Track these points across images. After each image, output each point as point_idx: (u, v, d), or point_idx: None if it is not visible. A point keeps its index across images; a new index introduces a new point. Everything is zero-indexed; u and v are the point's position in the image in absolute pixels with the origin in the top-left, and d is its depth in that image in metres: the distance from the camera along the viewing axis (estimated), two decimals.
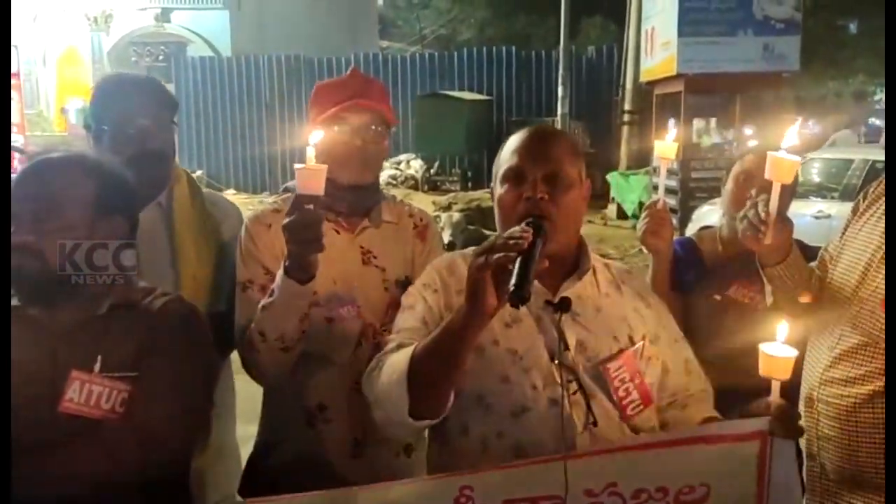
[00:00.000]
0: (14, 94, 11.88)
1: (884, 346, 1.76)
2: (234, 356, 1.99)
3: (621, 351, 1.57)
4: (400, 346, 1.51)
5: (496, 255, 1.30)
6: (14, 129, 10.97)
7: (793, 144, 1.66)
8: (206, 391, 1.70)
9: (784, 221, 1.79)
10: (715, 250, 2.36)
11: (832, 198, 8.29)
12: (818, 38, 19.44)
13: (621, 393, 1.54)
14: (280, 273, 1.71)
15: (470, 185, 15.08)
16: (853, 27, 24.03)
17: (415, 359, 1.42)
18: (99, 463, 1.48)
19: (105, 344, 1.57)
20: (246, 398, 2.31)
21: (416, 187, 14.72)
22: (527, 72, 16.51)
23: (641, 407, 1.56)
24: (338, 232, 1.92)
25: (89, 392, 1.52)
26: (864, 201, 1.97)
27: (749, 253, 2.04)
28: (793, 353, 1.48)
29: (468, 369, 1.47)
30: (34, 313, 1.60)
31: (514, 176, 1.58)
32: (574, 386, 1.52)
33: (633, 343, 1.59)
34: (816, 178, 8.77)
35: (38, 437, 1.48)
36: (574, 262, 1.64)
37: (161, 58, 19.21)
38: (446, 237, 8.15)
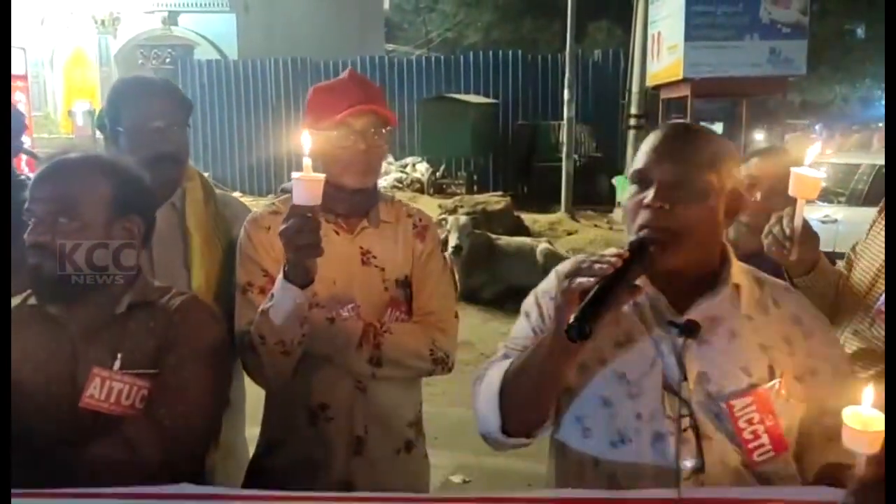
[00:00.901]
0: (21, 96, 11.92)
1: (881, 353, 1.75)
2: None
3: (753, 387, 1.36)
4: (506, 356, 1.46)
5: (578, 280, 1.21)
6: None
7: (815, 159, 1.63)
8: (223, 388, 1.73)
9: (810, 235, 1.76)
10: None
11: (839, 202, 8.28)
12: (826, 43, 19.43)
13: (747, 435, 1.34)
14: (279, 278, 1.71)
15: (476, 188, 15.07)
16: (860, 31, 24.02)
17: (507, 377, 1.37)
18: (120, 458, 1.50)
19: (125, 342, 1.59)
20: (249, 401, 2.31)
21: (421, 190, 14.70)
22: (533, 75, 16.51)
23: (772, 453, 1.36)
24: (337, 233, 1.92)
25: (110, 389, 1.54)
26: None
27: (754, 255, 2.03)
28: (881, 424, 1.21)
29: (571, 387, 1.39)
30: (54, 312, 1.62)
31: (639, 179, 1.39)
32: (687, 422, 1.35)
33: (772, 377, 1.37)
34: (823, 183, 8.74)
35: (61, 433, 1.51)
36: (713, 276, 1.43)
37: (168, 61, 19.26)
38: (453, 240, 8.10)
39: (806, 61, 11.37)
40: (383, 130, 1.94)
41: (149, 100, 2.09)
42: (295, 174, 1.56)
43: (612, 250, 1.27)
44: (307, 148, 1.56)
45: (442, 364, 1.93)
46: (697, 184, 1.35)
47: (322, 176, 1.55)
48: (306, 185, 1.54)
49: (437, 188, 15.09)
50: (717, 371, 1.37)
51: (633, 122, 14.54)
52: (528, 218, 11.85)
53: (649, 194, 1.35)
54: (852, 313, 1.87)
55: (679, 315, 1.39)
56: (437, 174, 15.37)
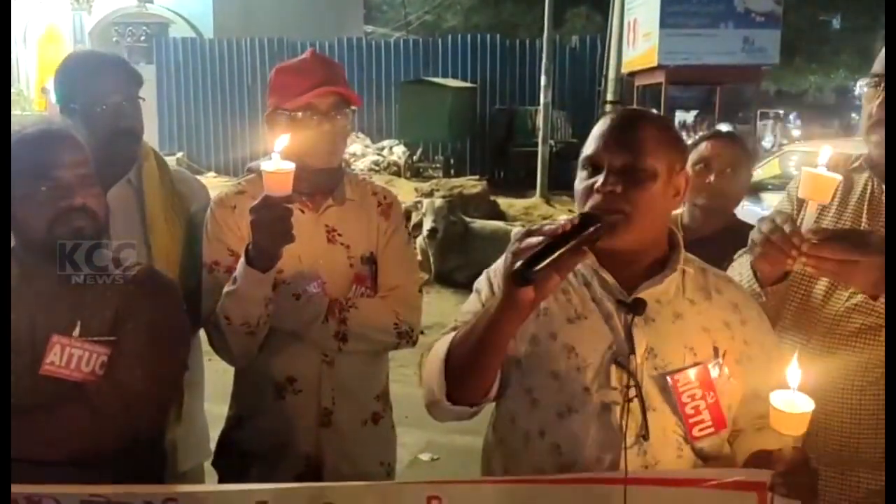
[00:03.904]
0: None
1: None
2: (204, 335, 2.02)
3: (697, 364, 1.43)
4: (454, 329, 1.48)
5: (528, 240, 1.24)
6: None
7: (828, 161, 1.49)
8: (180, 353, 1.77)
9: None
10: None
11: None
12: (800, 33, 19.60)
13: (689, 410, 1.41)
14: (241, 261, 1.74)
15: (452, 172, 15.07)
16: (835, 22, 24.25)
17: (453, 345, 1.41)
18: (83, 423, 1.55)
19: (83, 310, 1.63)
20: (216, 379, 2.36)
21: (398, 173, 14.67)
22: (511, 60, 16.48)
23: (712, 430, 1.42)
24: (302, 211, 1.95)
25: (69, 356, 1.59)
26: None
27: (709, 238, 2.09)
28: (808, 406, 1.26)
29: (522, 360, 1.45)
30: (13, 282, 1.65)
31: (590, 165, 1.44)
32: (632, 393, 1.40)
33: (716, 357, 1.44)
34: (794, 171, 8.90)
35: (23, 401, 1.54)
36: (661, 261, 1.49)
37: (143, 38, 18.97)
38: (428, 223, 8.15)
39: (780, 51, 11.50)
40: (346, 111, 1.97)
41: (101, 75, 2.07)
42: (265, 167, 1.56)
43: (564, 218, 1.30)
44: (279, 145, 1.57)
45: (406, 337, 1.98)
46: (645, 168, 1.40)
47: (291, 166, 1.56)
48: (277, 178, 1.55)
49: (413, 171, 15.07)
50: (663, 347, 1.43)
51: (608, 108, 14.62)
52: (503, 202, 11.91)
53: (600, 179, 1.40)
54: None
55: (627, 294, 1.45)
56: (414, 157, 15.35)
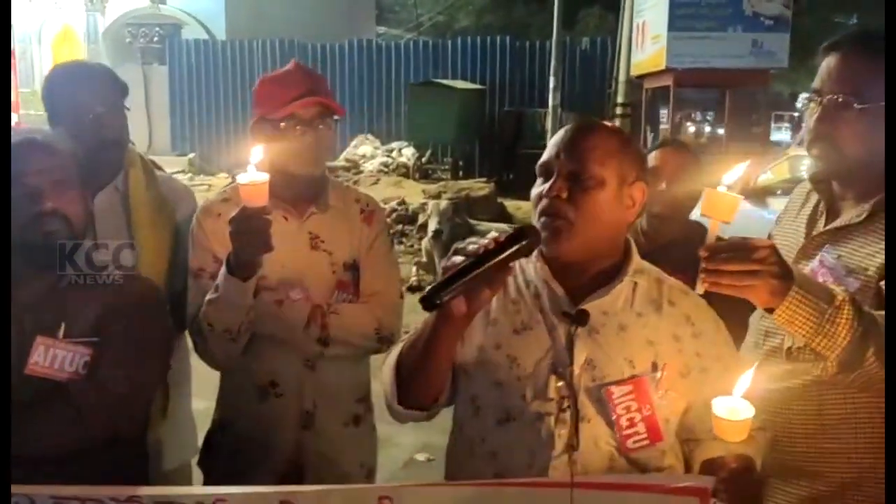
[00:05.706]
0: None
1: None
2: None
3: (634, 377, 1.44)
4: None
5: (453, 259, 1.29)
6: None
7: (735, 181, 1.42)
8: (162, 354, 1.82)
9: None
10: (637, 243, 2.46)
11: None
12: (813, 35, 19.45)
13: (623, 422, 1.42)
14: (223, 271, 1.78)
15: (461, 174, 15.10)
16: (852, 24, 24.08)
17: (401, 352, 1.49)
18: (66, 422, 1.60)
19: (67, 311, 1.68)
20: (200, 378, 2.41)
21: (407, 175, 14.71)
22: (521, 62, 16.49)
23: (647, 442, 1.43)
24: (286, 218, 1.99)
25: (53, 356, 1.64)
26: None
27: (668, 244, 2.11)
28: (749, 413, 1.27)
29: (469, 370, 1.51)
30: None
31: (543, 171, 1.49)
32: (567, 403, 1.43)
33: (654, 371, 1.45)
34: (805, 175, 8.80)
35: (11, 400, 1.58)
36: (612, 272, 1.51)
37: (156, 39, 19.11)
38: (433, 224, 8.17)
39: (794, 53, 11.47)
40: (329, 120, 2.01)
41: (84, 87, 2.11)
42: (240, 179, 1.59)
43: (493, 234, 1.37)
44: (254, 156, 1.57)
45: (388, 342, 2.01)
46: (591, 176, 1.43)
47: (266, 177, 1.57)
48: (253, 189, 1.57)
49: (422, 173, 15.10)
50: (603, 359, 1.45)
51: (619, 111, 14.61)
52: (511, 205, 11.92)
53: (550, 185, 1.45)
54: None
55: (574, 307, 1.48)
56: (423, 159, 15.39)
